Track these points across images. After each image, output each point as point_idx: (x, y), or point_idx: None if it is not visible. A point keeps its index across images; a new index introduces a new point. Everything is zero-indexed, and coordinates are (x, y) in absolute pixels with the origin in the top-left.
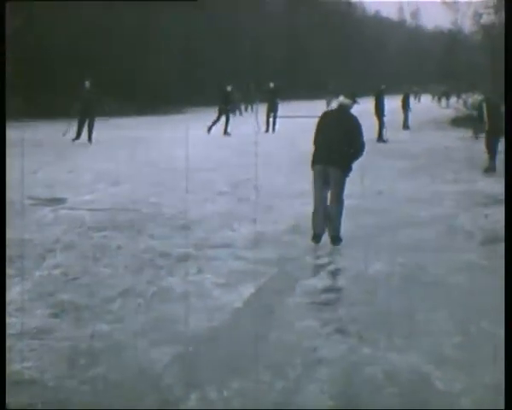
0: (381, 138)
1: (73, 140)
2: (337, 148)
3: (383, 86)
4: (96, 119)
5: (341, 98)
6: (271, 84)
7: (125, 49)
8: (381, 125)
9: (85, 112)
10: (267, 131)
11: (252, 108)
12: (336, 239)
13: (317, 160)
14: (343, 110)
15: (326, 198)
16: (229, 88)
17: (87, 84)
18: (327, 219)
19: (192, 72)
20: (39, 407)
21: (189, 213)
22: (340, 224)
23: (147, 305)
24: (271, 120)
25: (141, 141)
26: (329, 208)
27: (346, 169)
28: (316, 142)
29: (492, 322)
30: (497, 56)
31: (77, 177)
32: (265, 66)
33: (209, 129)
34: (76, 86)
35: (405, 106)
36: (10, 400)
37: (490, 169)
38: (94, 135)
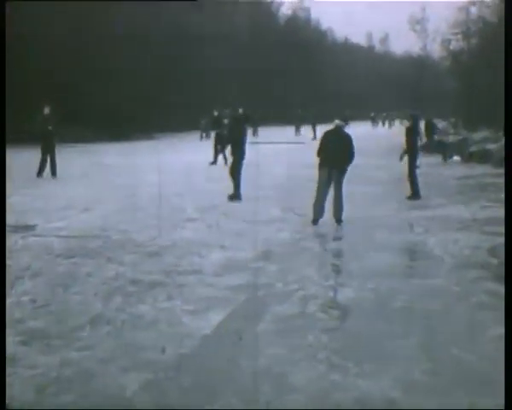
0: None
1: (37, 175)
2: (337, 156)
3: (417, 112)
4: (67, 145)
5: (337, 121)
6: (240, 110)
7: (97, 76)
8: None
9: (46, 146)
10: None
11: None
12: (340, 221)
13: (323, 164)
14: (339, 129)
15: (326, 193)
16: (215, 113)
17: (46, 110)
18: (324, 208)
19: (163, 98)
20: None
21: (158, 239)
22: (342, 209)
23: (116, 332)
24: None
25: (112, 167)
26: (333, 199)
27: (344, 171)
28: (321, 152)
29: (462, 348)
30: (466, 81)
31: (47, 203)
32: (235, 91)
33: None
34: (36, 112)
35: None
36: None
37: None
38: (63, 160)
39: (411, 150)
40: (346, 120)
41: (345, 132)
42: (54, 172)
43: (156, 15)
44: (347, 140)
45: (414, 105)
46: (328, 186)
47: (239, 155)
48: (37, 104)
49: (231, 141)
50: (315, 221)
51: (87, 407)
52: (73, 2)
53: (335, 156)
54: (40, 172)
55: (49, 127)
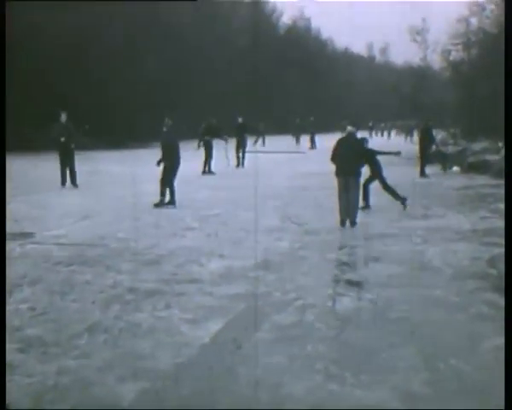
0: (423, 174)
1: (61, 185)
2: (352, 163)
3: (430, 122)
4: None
5: (349, 128)
6: (240, 119)
7: (93, 84)
8: (425, 161)
9: (64, 155)
10: (238, 165)
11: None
12: (354, 223)
13: (339, 172)
14: (352, 135)
15: (347, 197)
16: (214, 121)
17: (63, 117)
18: (348, 210)
19: (160, 106)
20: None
21: (156, 248)
22: (357, 213)
23: (114, 340)
24: (241, 155)
25: (110, 175)
26: (349, 202)
27: (359, 176)
28: (335, 159)
29: (461, 358)
30: (466, 92)
31: (45, 211)
32: (233, 101)
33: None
34: (46, 120)
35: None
36: None
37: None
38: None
39: (422, 158)
40: (357, 126)
41: (357, 138)
42: (73, 182)
43: (155, 26)
44: (359, 145)
45: (414, 115)
46: (346, 191)
47: (171, 162)
48: (36, 113)
49: (166, 149)
50: (342, 222)
51: None
52: (69, 12)
53: (349, 163)
54: (63, 183)
55: (62, 139)
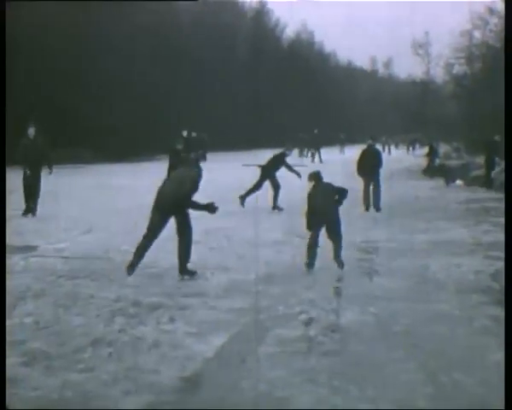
0: (491, 186)
1: (22, 214)
2: (374, 166)
3: (497, 137)
4: (69, 167)
5: (370, 141)
6: (194, 134)
7: (96, 98)
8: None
9: (29, 177)
10: None
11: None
12: (379, 209)
13: (365, 172)
14: (372, 146)
15: (370, 190)
16: (184, 133)
17: (31, 131)
18: (370, 200)
19: (162, 119)
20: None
21: (161, 261)
22: (380, 200)
23: (118, 354)
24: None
25: (112, 188)
26: (373, 193)
27: (379, 174)
28: (361, 164)
29: (464, 373)
30: (469, 105)
31: (48, 224)
32: (233, 115)
33: None
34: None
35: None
36: None
37: None
38: (64, 181)
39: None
40: (376, 140)
41: (375, 149)
42: (33, 211)
43: (158, 36)
44: (378, 154)
45: (416, 129)
46: (370, 186)
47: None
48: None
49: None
50: (367, 208)
51: None
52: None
53: (373, 167)
54: (27, 211)
55: (28, 172)
